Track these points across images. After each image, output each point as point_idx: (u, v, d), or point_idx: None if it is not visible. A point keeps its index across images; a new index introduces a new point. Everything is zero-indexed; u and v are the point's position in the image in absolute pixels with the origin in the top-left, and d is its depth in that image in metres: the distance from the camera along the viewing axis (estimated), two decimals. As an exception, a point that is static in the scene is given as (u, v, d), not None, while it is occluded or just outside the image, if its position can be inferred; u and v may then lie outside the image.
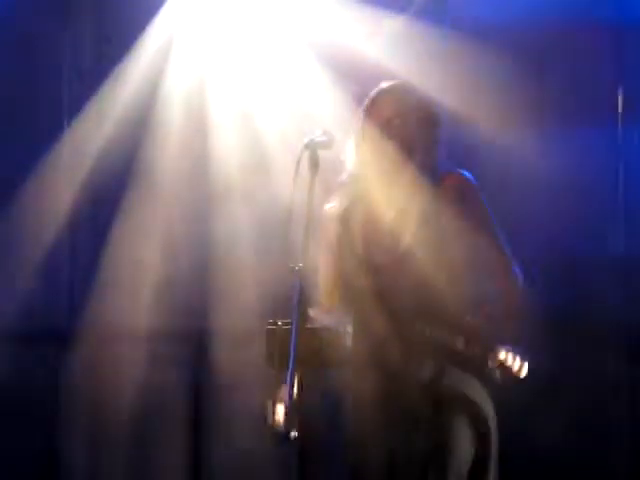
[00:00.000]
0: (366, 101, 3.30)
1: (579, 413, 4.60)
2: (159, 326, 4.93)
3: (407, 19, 4.71)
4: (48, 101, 5.07)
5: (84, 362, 5.01)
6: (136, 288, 4.93)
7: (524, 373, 3.04)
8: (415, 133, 3.23)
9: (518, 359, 3.03)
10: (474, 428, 3.13)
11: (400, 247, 3.21)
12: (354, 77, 4.64)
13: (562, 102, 4.69)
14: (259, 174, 4.80)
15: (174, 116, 4.95)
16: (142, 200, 4.95)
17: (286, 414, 2.80)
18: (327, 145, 3.03)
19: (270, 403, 2.94)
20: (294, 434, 2.81)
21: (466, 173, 3.24)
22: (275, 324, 3.07)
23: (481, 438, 3.13)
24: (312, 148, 2.98)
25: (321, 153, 3.00)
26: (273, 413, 2.92)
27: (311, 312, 3.07)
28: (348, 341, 3.19)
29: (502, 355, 3.02)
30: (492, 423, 3.16)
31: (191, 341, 5.01)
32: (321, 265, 3.32)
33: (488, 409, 3.16)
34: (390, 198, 3.26)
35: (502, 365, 3.02)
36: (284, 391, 2.82)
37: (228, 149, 4.91)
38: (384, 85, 3.31)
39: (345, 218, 3.29)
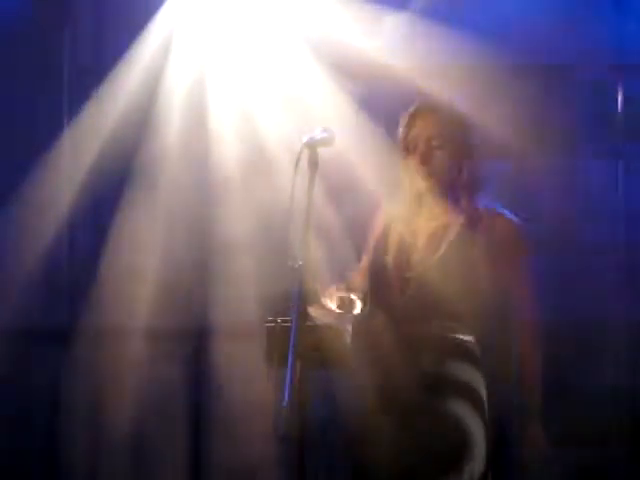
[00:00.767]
0: (400, 126, 3.29)
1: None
2: (159, 325, 4.93)
3: (408, 17, 4.72)
4: (48, 100, 5.07)
5: (84, 362, 5.01)
6: (136, 287, 4.93)
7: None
8: (457, 149, 3.23)
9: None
10: (485, 424, 3.14)
11: (428, 263, 3.21)
12: (355, 76, 4.65)
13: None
14: (259, 173, 4.80)
15: (174, 115, 4.95)
16: (142, 199, 4.95)
17: (286, 412, 2.80)
18: (327, 143, 3.03)
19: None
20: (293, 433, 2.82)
21: (519, 222, 3.26)
22: (275, 322, 3.07)
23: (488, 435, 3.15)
24: (312, 146, 2.98)
25: (321, 151, 3.01)
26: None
27: (311, 310, 3.08)
28: (348, 339, 3.19)
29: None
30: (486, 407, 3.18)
31: (191, 340, 5.02)
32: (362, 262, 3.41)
33: (485, 399, 3.18)
34: (431, 220, 3.28)
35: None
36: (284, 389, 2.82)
37: (228, 148, 4.91)
38: (414, 105, 3.30)
39: (385, 232, 3.33)
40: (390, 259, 3.28)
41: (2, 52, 4.99)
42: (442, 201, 3.25)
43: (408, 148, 3.25)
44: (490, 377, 3.20)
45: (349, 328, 3.22)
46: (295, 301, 2.88)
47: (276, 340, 3.04)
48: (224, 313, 4.89)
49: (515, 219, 3.24)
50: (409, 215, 3.30)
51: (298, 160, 2.97)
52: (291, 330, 2.85)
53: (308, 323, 2.98)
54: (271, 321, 3.08)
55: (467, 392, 3.15)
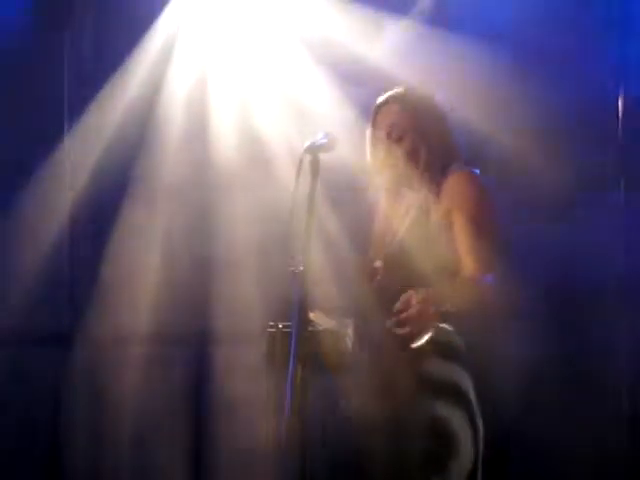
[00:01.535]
0: (372, 109, 3.33)
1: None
2: (159, 327, 4.93)
3: (409, 21, 4.72)
4: (48, 103, 5.07)
5: (84, 363, 5.01)
6: (137, 289, 4.93)
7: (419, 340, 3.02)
8: (416, 138, 3.25)
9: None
10: (472, 423, 3.14)
11: (392, 245, 3.25)
12: (356, 79, 4.65)
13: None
14: (261, 177, 4.80)
15: (175, 119, 4.95)
16: (143, 201, 4.95)
17: (287, 416, 2.81)
18: (328, 148, 3.04)
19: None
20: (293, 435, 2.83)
21: (473, 171, 3.26)
22: (276, 327, 3.07)
23: (477, 434, 3.15)
24: (313, 152, 2.99)
25: (322, 156, 3.01)
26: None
27: (311, 315, 3.08)
28: (349, 344, 3.20)
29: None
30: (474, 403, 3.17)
31: (192, 342, 5.02)
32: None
33: (471, 392, 3.17)
34: (399, 204, 3.30)
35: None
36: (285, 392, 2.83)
37: (229, 151, 4.91)
38: (389, 93, 3.33)
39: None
40: (371, 250, 3.38)
41: (2, 56, 4.98)
42: (409, 183, 3.29)
43: (374, 135, 3.31)
44: (476, 369, 3.19)
45: (350, 333, 3.23)
46: (296, 306, 2.89)
47: (277, 344, 3.05)
48: (225, 316, 4.89)
49: (467, 170, 3.24)
50: (385, 206, 3.36)
51: (300, 165, 2.98)
52: (291, 335, 2.87)
53: (309, 328, 2.99)
54: (272, 326, 3.09)
55: (449, 389, 3.16)
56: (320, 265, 3.38)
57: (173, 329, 4.97)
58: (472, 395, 3.16)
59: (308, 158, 2.99)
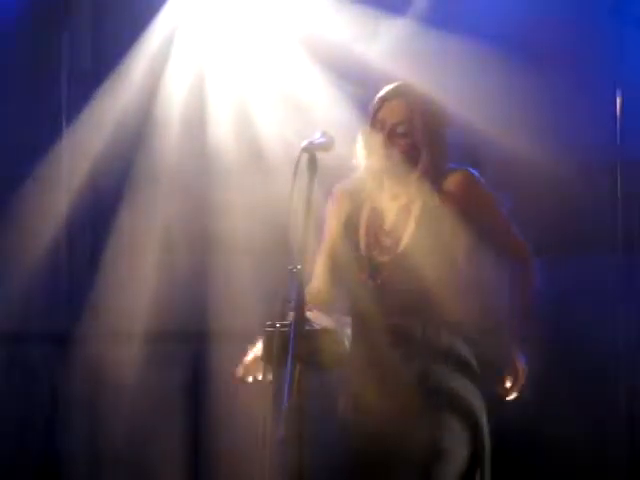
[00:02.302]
0: (371, 106, 3.32)
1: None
2: (159, 326, 4.93)
3: (406, 20, 4.72)
4: (47, 101, 5.07)
5: (84, 362, 5.01)
6: (136, 288, 4.93)
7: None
8: (420, 138, 3.25)
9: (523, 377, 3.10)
10: (468, 428, 3.14)
11: (399, 247, 3.23)
12: (354, 78, 4.65)
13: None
14: (259, 175, 4.80)
15: (173, 119, 4.96)
16: (141, 202, 4.95)
17: (285, 414, 2.80)
18: (326, 147, 3.03)
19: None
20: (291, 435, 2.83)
21: (471, 170, 3.26)
22: (273, 326, 3.07)
23: (474, 438, 3.15)
24: (311, 151, 2.99)
25: (320, 155, 3.01)
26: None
27: (309, 314, 3.08)
28: (347, 343, 3.20)
29: (514, 379, 3.09)
30: (482, 420, 3.17)
31: (190, 342, 5.02)
32: (318, 258, 3.37)
33: (478, 404, 3.18)
34: (394, 200, 3.29)
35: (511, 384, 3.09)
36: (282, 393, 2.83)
37: (228, 151, 4.91)
38: (387, 89, 3.32)
39: (350, 218, 3.33)
40: (362, 243, 3.30)
41: (1, 53, 4.98)
42: (404, 179, 3.27)
43: (375, 127, 3.28)
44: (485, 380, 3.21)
45: (348, 331, 3.23)
46: (294, 305, 2.89)
47: (275, 344, 3.04)
48: (223, 315, 4.89)
49: (467, 169, 3.25)
50: (373, 195, 3.33)
51: (297, 164, 2.98)
52: (289, 334, 2.86)
53: (307, 327, 2.99)
54: (270, 325, 3.08)
55: (456, 399, 3.16)
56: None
57: (172, 328, 4.97)
58: (480, 413, 3.18)
59: (306, 157, 2.98)
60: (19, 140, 4.99)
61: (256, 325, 3.41)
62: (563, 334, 4.71)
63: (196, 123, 4.94)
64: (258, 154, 4.83)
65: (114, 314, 4.95)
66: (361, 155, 3.31)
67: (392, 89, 3.31)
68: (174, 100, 4.95)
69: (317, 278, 3.37)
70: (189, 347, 5.02)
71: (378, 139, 3.27)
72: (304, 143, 3.00)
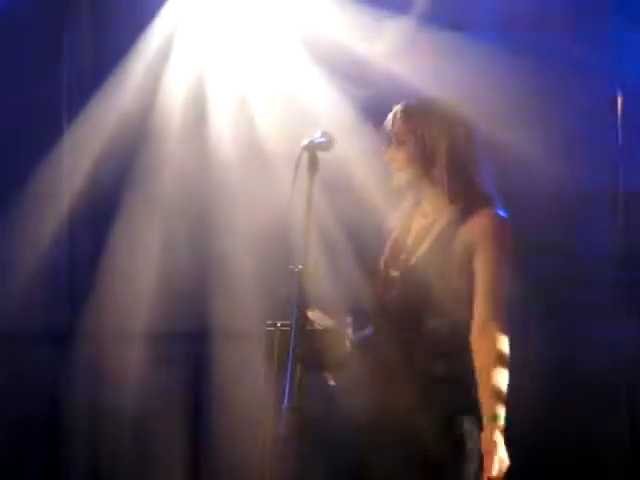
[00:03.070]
0: (390, 117, 3.32)
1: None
2: (159, 326, 4.93)
3: (409, 20, 4.72)
4: (47, 102, 5.06)
5: (84, 362, 5.01)
6: (136, 288, 4.93)
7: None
8: (441, 154, 3.23)
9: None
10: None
11: (410, 262, 3.22)
12: (355, 78, 4.66)
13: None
14: (259, 175, 4.80)
15: (173, 119, 4.95)
16: (142, 201, 4.95)
17: (286, 414, 2.81)
18: (326, 147, 3.04)
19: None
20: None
21: (498, 214, 3.20)
22: (274, 326, 3.07)
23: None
24: (311, 150, 2.99)
25: (321, 154, 3.01)
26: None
27: (310, 314, 3.08)
28: (348, 343, 3.20)
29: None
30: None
31: (191, 341, 5.02)
32: None
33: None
34: (424, 218, 3.29)
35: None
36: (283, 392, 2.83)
37: (228, 150, 4.91)
38: (406, 101, 3.32)
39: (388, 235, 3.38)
40: (382, 260, 3.33)
41: (1, 53, 4.98)
42: (434, 198, 3.26)
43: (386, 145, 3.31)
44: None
45: (349, 331, 3.23)
46: (295, 305, 2.89)
47: (276, 343, 3.05)
48: (224, 316, 4.89)
49: (499, 215, 3.19)
50: (404, 213, 3.35)
51: (297, 163, 2.98)
52: (290, 334, 2.87)
53: (308, 327, 2.99)
54: (271, 325, 3.08)
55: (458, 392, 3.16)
56: (319, 263, 3.38)
57: (172, 328, 4.96)
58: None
59: (306, 156, 2.99)
60: (19, 140, 4.99)
61: (257, 325, 3.42)
62: (564, 333, 4.72)
63: (196, 123, 4.94)
64: (258, 154, 4.83)
65: (115, 314, 4.95)
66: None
67: (400, 104, 3.32)
68: (174, 100, 4.95)
69: None
70: (189, 347, 5.02)
71: (401, 150, 3.28)
72: (304, 142, 3.01)
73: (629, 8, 4.73)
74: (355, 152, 3.97)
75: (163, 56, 4.95)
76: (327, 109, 4.62)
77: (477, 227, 3.16)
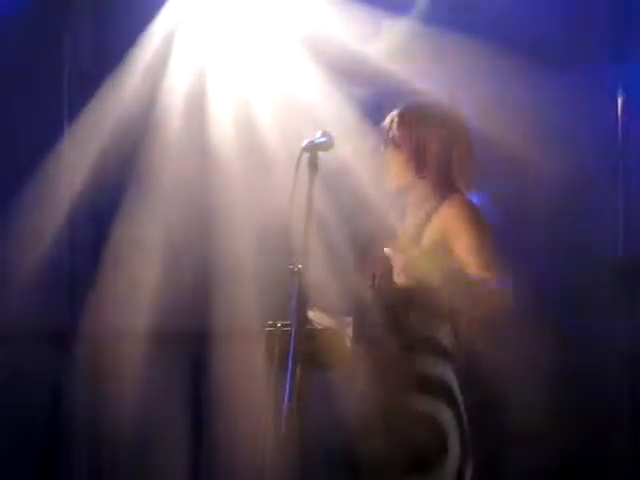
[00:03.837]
0: (387, 121, 3.34)
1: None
2: (159, 326, 4.93)
3: (408, 20, 4.72)
4: (48, 101, 5.07)
5: (84, 361, 5.01)
6: (136, 287, 4.93)
7: None
8: (433, 159, 3.25)
9: None
10: (459, 424, 3.15)
11: (405, 261, 3.22)
12: (355, 78, 4.66)
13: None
14: (260, 175, 4.80)
15: (174, 117, 4.95)
16: (142, 201, 4.95)
17: (286, 414, 2.81)
18: (326, 147, 3.04)
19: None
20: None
21: (465, 198, 3.24)
22: (274, 325, 3.08)
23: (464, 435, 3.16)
24: (311, 150, 3.00)
25: (321, 154, 3.02)
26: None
27: (310, 314, 3.09)
28: (348, 343, 3.21)
29: None
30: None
31: (191, 341, 5.02)
32: None
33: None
34: (418, 210, 3.31)
35: None
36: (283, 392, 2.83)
37: (228, 150, 4.91)
38: (404, 104, 3.34)
39: None
40: (380, 259, 3.32)
41: (1, 53, 4.98)
42: (425, 200, 3.29)
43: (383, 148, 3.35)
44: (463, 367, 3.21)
45: (349, 332, 3.23)
46: (295, 305, 2.90)
47: (276, 343, 3.05)
48: (224, 316, 4.89)
49: (467, 199, 3.23)
50: (399, 213, 3.38)
51: (298, 163, 2.98)
52: (291, 334, 2.87)
53: (308, 327, 2.99)
54: (271, 324, 3.09)
55: (441, 388, 3.17)
56: (319, 263, 3.38)
57: (172, 328, 4.97)
58: (458, 394, 3.18)
59: (306, 156, 2.99)
60: (20, 140, 4.99)
61: (257, 325, 3.42)
62: (564, 334, 4.71)
63: (197, 123, 4.94)
64: (259, 154, 4.83)
65: (115, 313, 4.95)
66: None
67: (408, 105, 3.36)
68: (174, 99, 4.95)
69: None
70: (189, 347, 5.02)
71: (393, 153, 3.32)
72: (305, 142, 3.01)
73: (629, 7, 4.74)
74: (355, 152, 3.96)
75: (163, 56, 4.95)
76: (327, 109, 4.62)
77: (446, 215, 3.20)
